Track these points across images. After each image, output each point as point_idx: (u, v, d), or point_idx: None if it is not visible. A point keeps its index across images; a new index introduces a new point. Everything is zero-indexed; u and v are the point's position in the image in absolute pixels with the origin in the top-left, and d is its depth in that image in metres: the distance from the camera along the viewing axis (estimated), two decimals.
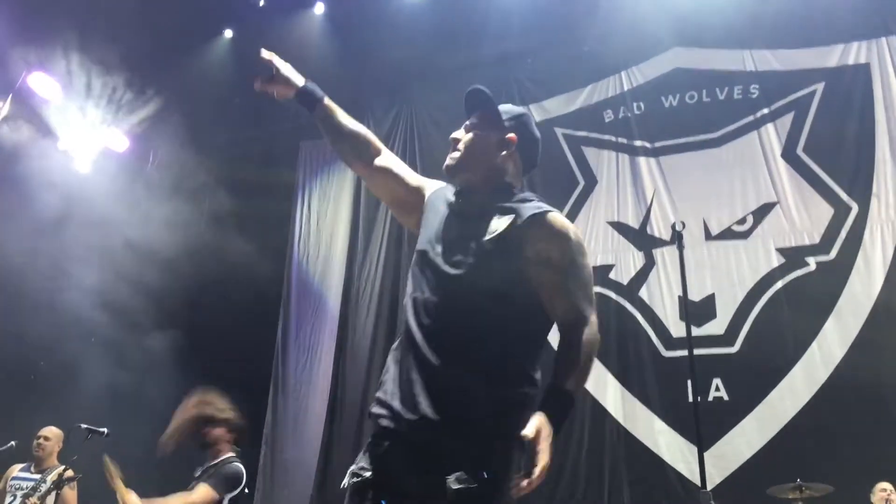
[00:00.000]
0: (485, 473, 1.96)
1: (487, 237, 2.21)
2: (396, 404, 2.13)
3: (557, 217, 2.27)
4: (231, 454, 4.50)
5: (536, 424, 1.93)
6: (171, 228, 7.49)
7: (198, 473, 4.55)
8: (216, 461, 4.47)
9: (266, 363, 8.95)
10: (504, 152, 2.40)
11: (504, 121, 2.43)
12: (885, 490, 5.40)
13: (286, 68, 2.51)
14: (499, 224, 2.24)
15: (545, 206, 2.29)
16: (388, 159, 2.59)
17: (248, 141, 8.64)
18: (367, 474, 2.11)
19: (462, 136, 2.45)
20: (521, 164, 2.47)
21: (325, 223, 9.74)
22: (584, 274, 2.22)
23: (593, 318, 2.18)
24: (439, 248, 2.29)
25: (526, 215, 2.24)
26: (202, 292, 7.76)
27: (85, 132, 8.39)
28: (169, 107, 8.04)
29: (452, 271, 2.21)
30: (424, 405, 2.06)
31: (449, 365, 2.11)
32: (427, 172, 8.95)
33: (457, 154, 2.43)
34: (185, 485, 4.37)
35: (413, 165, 9.16)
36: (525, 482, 1.88)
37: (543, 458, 1.89)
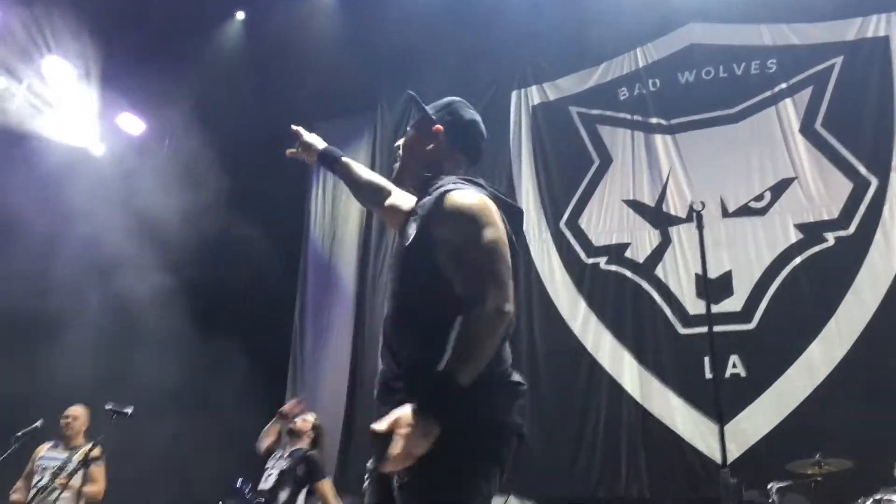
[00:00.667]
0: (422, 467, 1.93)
1: (407, 242, 2.20)
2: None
3: (452, 195, 2.14)
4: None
5: (392, 415, 1.92)
6: (186, 211, 7.52)
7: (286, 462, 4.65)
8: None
9: (284, 343, 9.02)
10: (432, 145, 2.37)
11: (431, 115, 2.41)
12: None
13: (310, 137, 2.90)
14: (411, 229, 2.22)
15: (447, 187, 2.19)
16: (396, 198, 2.69)
17: (262, 122, 8.63)
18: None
19: (400, 143, 2.49)
20: (456, 153, 2.40)
21: (340, 204, 9.76)
22: (480, 251, 2.06)
23: (491, 297, 1.99)
24: (391, 261, 2.43)
25: (428, 206, 2.18)
26: (218, 274, 7.80)
27: (98, 115, 8.44)
28: (182, 89, 8.05)
29: (390, 285, 2.25)
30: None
31: (397, 373, 2.19)
32: None
33: (397, 163, 2.48)
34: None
35: None
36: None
37: (396, 447, 1.87)
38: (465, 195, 2.14)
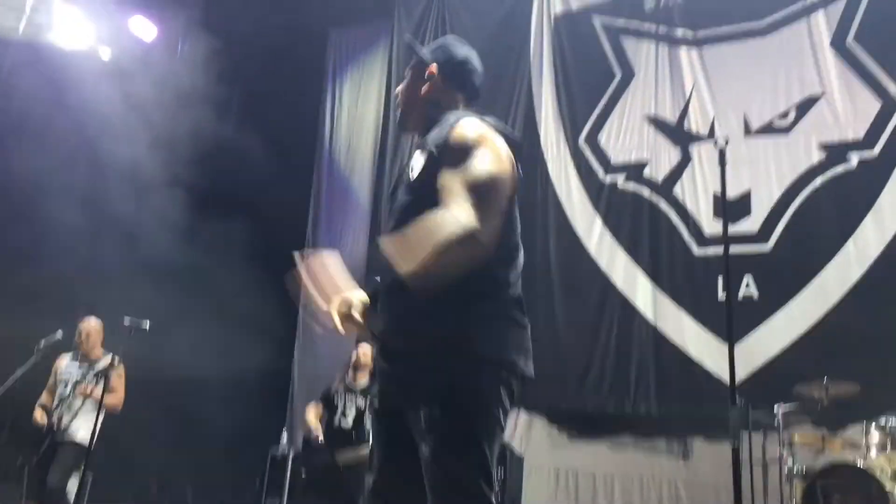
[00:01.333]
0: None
1: (410, 179, 2.18)
2: None
3: (458, 127, 2.15)
4: None
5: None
6: (197, 118, 7.45)
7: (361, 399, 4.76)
8: None
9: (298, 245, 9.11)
10: (427, 85, 2.38)
11: (426, 56, 2.42)
12: None
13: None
14: (417, 162, 2.20)
15: (452, 120, 2.20)
16: None
17: (276, 28, 8.41)
18: None
19: (399, 88, 2.48)
20: (453, 90, 2.39)
21: (355, 114, 9.65)
22: (472, 173, 2.02)
23: (457, 211, 1.93)
24: (390, 205, 2.34)
25: (433, 143, 2.17)
26: (227, 182, 7.77)
27: (108, 18, 8.26)
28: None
29: (390, 223, 2.21)
30: None
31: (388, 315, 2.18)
32: None
33: (398, 110, 2.47)
34: None
35: None
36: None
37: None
38: (470, 127, 2.16)
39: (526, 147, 8.20)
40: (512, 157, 2.19)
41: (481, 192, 2.00)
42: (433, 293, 1.92)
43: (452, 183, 2.02)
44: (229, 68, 8.12)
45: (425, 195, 2.06)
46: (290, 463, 7.20)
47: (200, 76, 7.75)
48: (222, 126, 7.72)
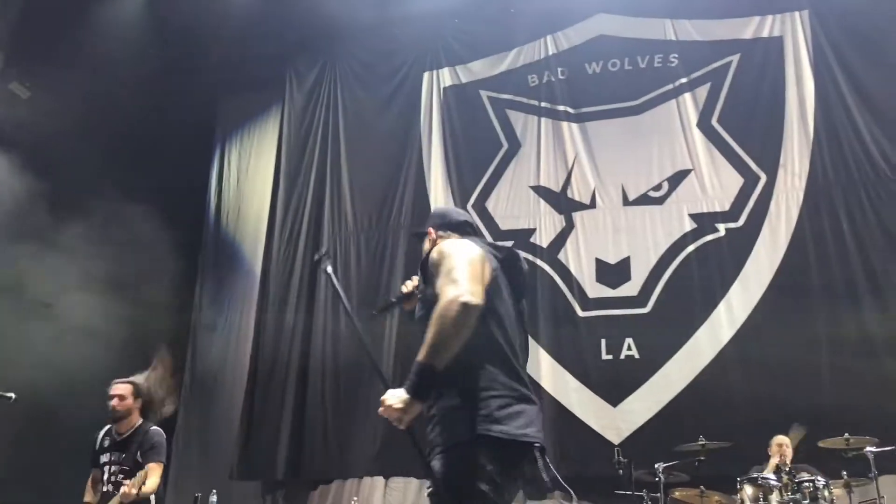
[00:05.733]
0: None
1: (428, 293, 2.64)
2: None
3: (434, 251, 2.67)
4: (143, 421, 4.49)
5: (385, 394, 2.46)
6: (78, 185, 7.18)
7: (108, 444, 4.48)
8: (133, 430, 4.42)
9: (185, 316, 8.77)
10: (431, 242, 2.95)
11: (426, 226, 3.04)
12: (780, 444, 5.75)
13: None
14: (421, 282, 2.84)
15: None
16: None
17: (164, 94, 8.26)
18: None
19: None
20: (445, 235, 2.92)
21: (245, 180, 9.55)
22: (448, 267, 2.53)
23: (450, 292, 2.41)
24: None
25: (427, 261, 2.72)
26: (113, 252, 7.47)
27: None
28: (83, 59, 7.61)
29: (421, 332, 2.56)
30: None
31: None
32: (348, 128, 8.77)
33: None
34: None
35: (335, 121, 9.05)
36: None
37: (385, 413, 2.45)
38: (443, 245, 2.68)
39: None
40: (483, 253, 2.65)
41: (456, 273, 2.48)
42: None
43: (440, 283, 2.52)
44: (114, 131, 7.89)
45: (434, 302, 2.48)
46: None
47: (79, 140, 7.49)
48: (108, 192, 7.45)
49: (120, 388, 4.47)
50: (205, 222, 9.38)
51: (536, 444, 2.45)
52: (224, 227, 9.37)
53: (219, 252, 9.26)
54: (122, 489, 4.13)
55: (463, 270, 2.48)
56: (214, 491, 7.28)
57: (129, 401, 4.45)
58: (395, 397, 2.42)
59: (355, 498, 7.10)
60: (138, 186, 7.43)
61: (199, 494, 7.27)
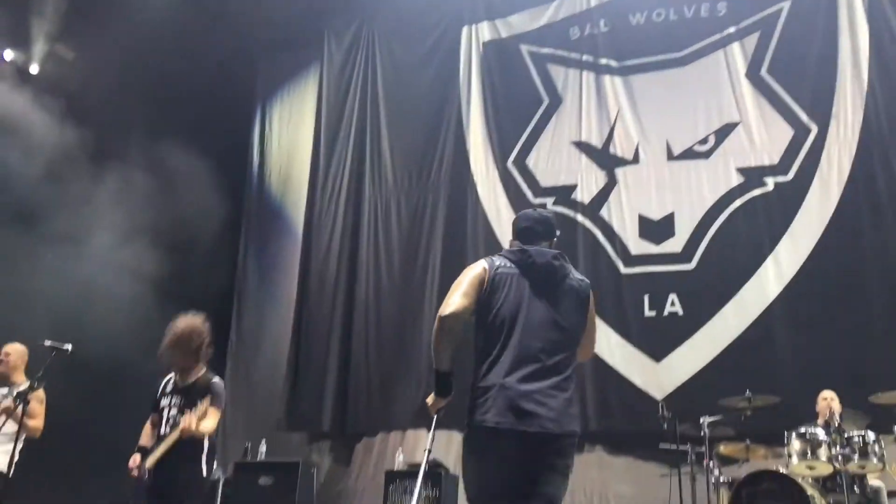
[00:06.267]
0: None
1: None
2: None
3: None
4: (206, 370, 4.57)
5: None
6: (127, 159, 7.26)
7: (170, 388, 4.57)
8: (198, 376, 4.51)
9: (227, 282, 8.90)
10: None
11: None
12: (825, 398, 5.68)
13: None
14: None
15: None
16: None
17: (206, 54, 8.28)
18: None
19: None
20: (514, 241, 3.25)
21: (286, 139, 9.58)
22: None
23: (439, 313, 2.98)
24: None
25: None
26: (160, 212, 7.57)
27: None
28: (118, 20, 7.64)
29: None
30: None
31: None
32: (387, 86, 8.69)
33: None
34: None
35: (373, 79, 9.01)
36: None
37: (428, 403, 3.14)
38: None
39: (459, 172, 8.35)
40: (479, 272, 3.06)
41: (449, 296, 3.03)
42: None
43: None
44: (153, 97, 7.94)
45: None
46: (220, 489, 7.02)
47: (121, 98, 7.56)
48: (152, 151, 7.53)
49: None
50: (247, 180, 9.45)
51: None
52: (267, 185, 9.46)
53: (262, 209, 9.36)
54: (182, 419, 4.22)
55: (452, 290, 3.02)
56: (264, 440, 7.51)
57: (182, 359, 4.53)
58: (430, 396, 3.13)
59: (400, 448, 7.20)
60: (182, 145, 7.50)
61: (250, 444, 7.48)
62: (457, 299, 2.93)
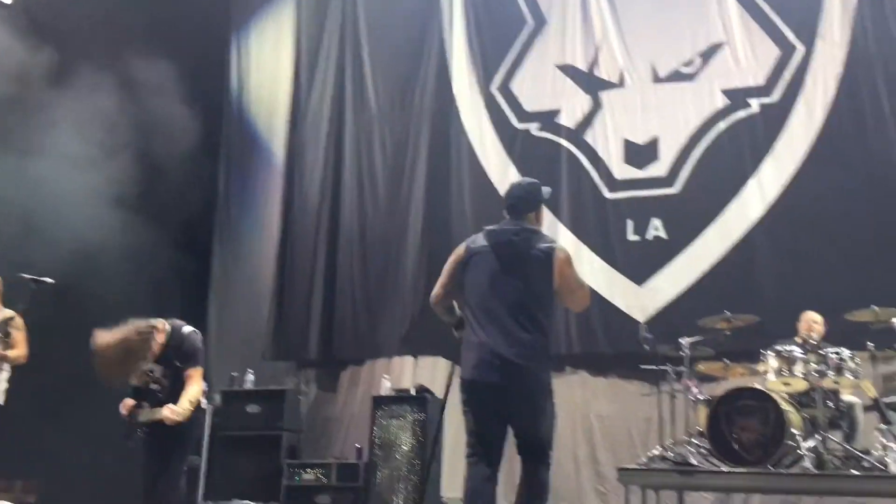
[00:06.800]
0: None
1: None
2: None
3: None
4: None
5: None
6: (97, 78, 7.05)
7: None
8: (167, 340, 4.33)
9: (207, 217, 8.78)
10: None
11: None
12: (816, 321, 5.70)
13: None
14: None
15: None
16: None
17: None
18: None
19: None
20: (504, 210, 3.71)
21: (264, 66, 9.34)
22: None
23: None
24: None
25: None
26: (135, 141, 7.41)
27: None
28: None
29: None
30: None
31: None
32: (368, 9, 8.40)
33: None
34: None
35: (353, 4, 8.73)
36: None
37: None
38: None
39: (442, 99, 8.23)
40: (469, 244, 3.60)
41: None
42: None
43: None
44: (128, 13, 7.67)
45: None
46: (208, 419, 7.12)
47: (89, 14, 7.27)
48: (125, 70, 7.30)
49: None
50: (225, 106, 9.24)
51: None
52: (246, 112, 9.24)
53: (241, 138, 9.16)
54: (165, 413, 4.13)
55: (443, 274, 3.64)
56: (250, 370, 7.59)
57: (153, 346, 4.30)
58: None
59: (386, 376, 7.30)
60: (157, 67, 7.29)
61: (237, 374, 7.56)
62: (436, 289, 3.62)
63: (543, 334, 3.38)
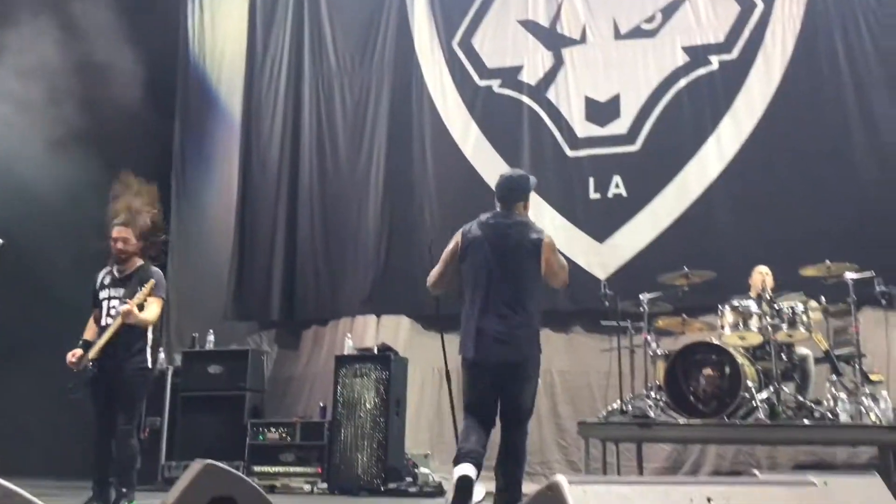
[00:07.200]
0: None
1: None
2: None
3: None
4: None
5: None
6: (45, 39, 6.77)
7: (108, 281, 4.48)
8: (136, 267, 4.45)
9: (164, 173, 8.57)
10: None
11: None
12: (760, 273, 5.86)
13: None
14: None
15: None
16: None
17: None
18: None
19: None
20: (495, 199, 4.02)
21: (219, 20, 9.07)
22: None
23: None
24: None
25: None
26: (87, 100, 7.16)
27: None
28: None
29: None
30: None
31: None
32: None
33: None
34: None
35: None
36: None
37: None
38: None
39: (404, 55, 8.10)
40: (465, 233, 3.92)
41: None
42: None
43: None
44: None
45: None
46: (169, 379, 7.07)
47: None
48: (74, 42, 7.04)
49: (122, 231, 4.43)
50: (180, 64, 8.99)
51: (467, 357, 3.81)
52: (201, 69, 9.01)
53: (197, 94, 8.94)
54: (124, 306, 4.18)
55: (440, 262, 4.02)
56: (211, 331, 7.51)
57: (133, 242, 4.45)
58: None
59: (349, 335, 7.30)
60: (104, 17, 7.03)
61: (197, 335, 7.49)
62: (433, 273, 4.00)
63: (533, 316, 3.78)
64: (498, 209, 3.91)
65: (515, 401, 3.75)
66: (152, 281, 4.32)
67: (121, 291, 4.43)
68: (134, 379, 4.37)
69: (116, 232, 4.41)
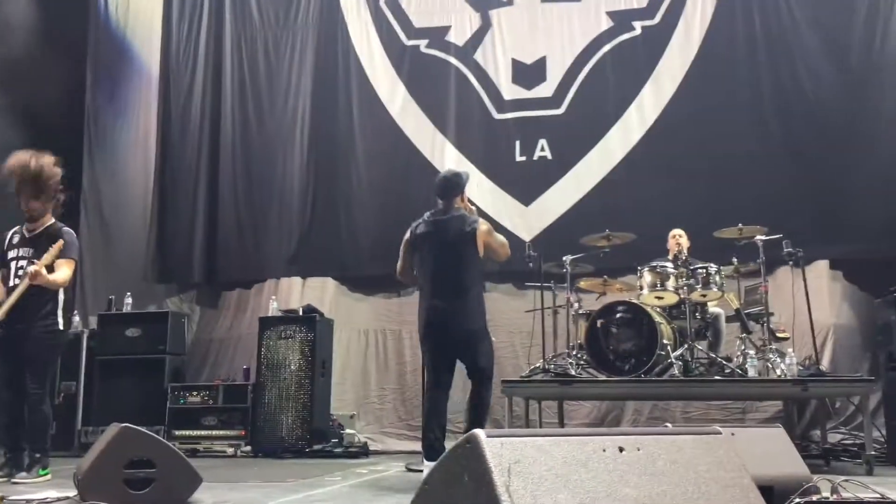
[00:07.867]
0: None
1: None
2: None
3: None
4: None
5: None
6: None
7: (17, 240, 4.34)
8: (46, 226, 4.33)
9: (76, 126, 8.21)
10: None
11: None
12: (674, 236, 6.07)
13: None
14: None
15: None
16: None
17: None
18: None
19: None
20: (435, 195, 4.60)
21: None
22: None
23: None
24: None
25: None
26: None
27: None
28: None
29: None
30: None
31: None
32: None
33: None
34: None
35: None
36: None
37: None
38: None
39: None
40: (413, 230, 4.53)
41: None
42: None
43: None
44: None
45: None
46: (84, 343, 6.85)
47: None
48: None
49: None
50: (91, 12, 8.55)
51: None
52: (114, 25, 8.59)
53: (110, 45, 8.52)
54: (31, 268, 4.05)
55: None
56: (129, 293, 7.29)
57: (42, 198, 4.30)
58: None
59: (273, 297, 7.21)
60: None
61: (113, 297, 7.26)
62: (398, 266, 4.64)
63: (475, 293, 4.44)
64: (439, 205, 4.50)
65: (473, 364, 4.39)
66: (61, 241, 4.17)
67: (29, 251, 4.28)
68: (43, 342, 4.24)
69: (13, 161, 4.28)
